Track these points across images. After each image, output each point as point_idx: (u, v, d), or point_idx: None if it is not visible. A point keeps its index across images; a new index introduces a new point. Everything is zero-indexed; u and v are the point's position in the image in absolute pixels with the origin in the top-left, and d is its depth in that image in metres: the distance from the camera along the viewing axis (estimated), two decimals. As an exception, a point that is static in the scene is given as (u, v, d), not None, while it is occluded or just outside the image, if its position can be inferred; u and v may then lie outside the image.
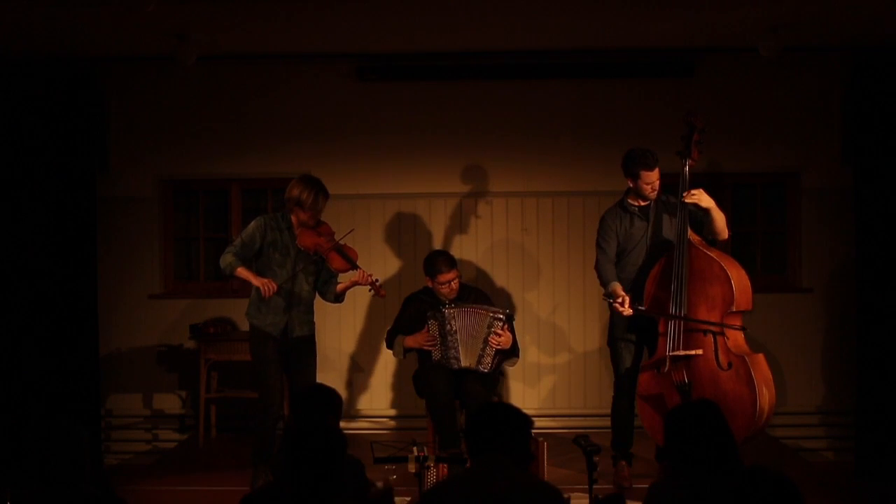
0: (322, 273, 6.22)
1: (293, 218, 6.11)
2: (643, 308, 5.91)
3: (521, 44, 7.47)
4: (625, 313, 5.87)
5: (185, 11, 6.20)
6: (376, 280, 6.14)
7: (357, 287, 6.23)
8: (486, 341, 6.23)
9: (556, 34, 7.17)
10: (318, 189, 6.05)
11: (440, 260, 6.38)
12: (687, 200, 5.83)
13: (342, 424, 4.80)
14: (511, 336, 6.31)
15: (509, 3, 6.32)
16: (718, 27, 6.83)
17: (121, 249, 7.96)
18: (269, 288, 5.96)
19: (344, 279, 6.24)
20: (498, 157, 7.91)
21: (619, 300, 5.88)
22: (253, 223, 6.15)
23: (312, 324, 6.25)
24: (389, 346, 6.55)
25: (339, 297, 6.32)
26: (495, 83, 7.89)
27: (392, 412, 7.98)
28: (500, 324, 6.25)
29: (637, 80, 7.83)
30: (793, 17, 6.40)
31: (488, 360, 6.25)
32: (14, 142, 7.37)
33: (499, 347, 6.25)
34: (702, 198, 5.85)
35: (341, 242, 6.11)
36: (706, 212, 5.89)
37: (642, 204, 6.04)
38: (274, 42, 7.33)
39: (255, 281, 5.99)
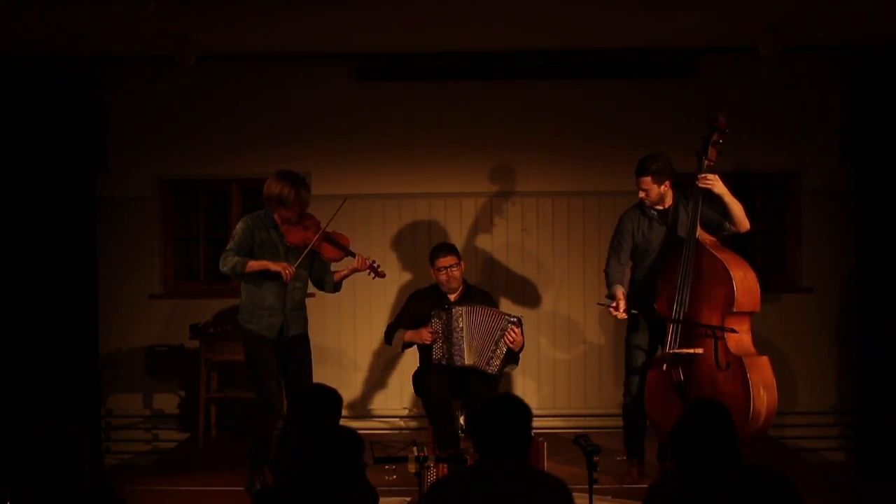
0: (315, 265, 6.14)
1: (276, 217, 5.98)
2: (636, 312, 5.96)
3: (521, 44, 7.46)
4: (619, 317, 5.97)
5: (185, 11, 6.20)
6: (374, 262, 6.09)
7: (357, 276, 6.14)
8: (497, 343, 6.22)
9: (556, 34, 7.17)
10: (298, 183, 5.90)
11: (440, 245, 6.50)
12: (700, 185, 5.79)
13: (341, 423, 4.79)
14: (523, 338, 6.31)
15: (509, 3, 6.32)
16: (718, 27, 6.82)
17: (121, 249, 7.96)
18: (288, 272, 5.86)
19: (340, 266, 6.18)
20: (498, 158, 7.90)
21: (614, 304, 5.94)
22: (240, 224, 6.01)
23: (306, 320, 6.17)
24: (388, 342, 6.51)
25: (337, 287, 6.26)
26: (495, 83, 7.88)
27: (392, 412, 7.98)
28: (513, 326, 6.24)
29: (637, 80, 7.82)
30: (793, 17, 6.40)
31: (497, 361, 6.22)
32: (14, 142, 7.37)
33: (512, 346, 6.22)
34: (715, 184, 5.81)
35: (328, 230, 6.02)
36: (719, 199, 5.86)
37: (660, 208, 6.02)
38: (274, 42, 7.32)
39: (274, 266, 5.85)
